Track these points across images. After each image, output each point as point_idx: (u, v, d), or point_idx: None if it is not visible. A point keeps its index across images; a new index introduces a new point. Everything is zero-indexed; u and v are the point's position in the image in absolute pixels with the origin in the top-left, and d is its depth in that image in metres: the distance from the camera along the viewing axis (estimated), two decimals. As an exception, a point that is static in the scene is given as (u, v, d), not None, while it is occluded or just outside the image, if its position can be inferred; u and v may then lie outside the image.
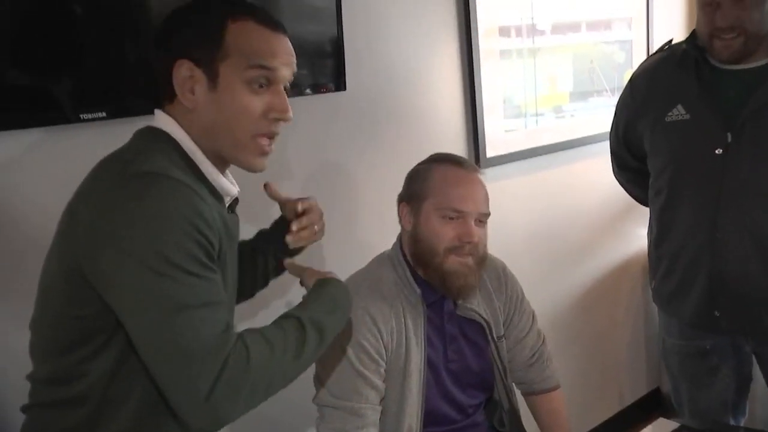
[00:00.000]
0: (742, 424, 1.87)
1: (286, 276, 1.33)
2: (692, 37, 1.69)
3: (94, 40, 1.33)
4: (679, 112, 1.69)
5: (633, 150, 1.86)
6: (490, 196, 2.23)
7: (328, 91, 1.69)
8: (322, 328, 1.06)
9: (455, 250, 1.37)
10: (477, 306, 1.48)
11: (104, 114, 1.35)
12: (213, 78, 1.03)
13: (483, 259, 1.43)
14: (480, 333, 1.49)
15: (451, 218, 1.37)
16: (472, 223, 1.38)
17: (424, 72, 1.98)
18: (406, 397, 1.38)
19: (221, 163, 1.09)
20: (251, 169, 1.09)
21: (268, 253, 1.33)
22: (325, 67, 1.69)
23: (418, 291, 1.40)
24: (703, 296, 1.71)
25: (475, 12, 2.05)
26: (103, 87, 1.36)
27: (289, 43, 1.09)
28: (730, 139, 1.61)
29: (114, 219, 0.92)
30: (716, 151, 1.63)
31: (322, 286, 1.14)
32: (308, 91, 1.66)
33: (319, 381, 1.39)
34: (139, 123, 1.25)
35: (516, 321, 1.56)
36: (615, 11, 2.58)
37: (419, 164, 1.49)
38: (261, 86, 1.05)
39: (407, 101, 1.95)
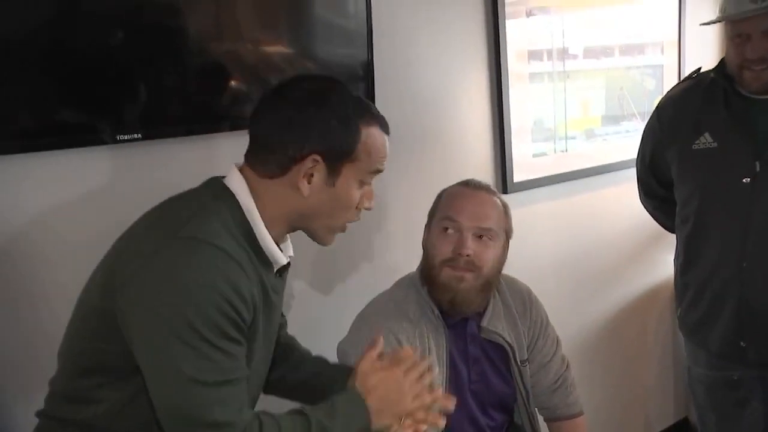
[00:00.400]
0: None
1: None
2: (721, 65, 1.69)
3: (133, 65, 1.37)
4: (706, 140, 1.69)
5: (660, 177, 1.86)
6: (517, 221, 2.24)
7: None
8: None
9: (449, 262, 1.39)
10: (501, 330, 1.49)
11: (140, 135, 1.39)
12: (334, 175, 1.09)
13: (487, 280, 1.42)
14: (503, 357, 1.50)
15: (447, 229, 1.40)
16: (469, 235, 1.39)
17: (452, 96, 2.00)
18: None
19: (288, 230, 1.15)
20: (323, 244, 1.18)
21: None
22: (356, 90, 1.72)
23: (437, 312, 1.42)
24: (730, 326, 1.69)
25: (505, 36, 2.06)
26: (139, 110, 1.40)
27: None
28: (758, 168, 1.60)
29: (153, 279, 0.96)
30: (744, 180, 1.62)
31: (347, 400, 1.11)
32: None
33: None
34: (172, 144, 1.30)
35: (540, 346, 1.56)
36: (647, 36, 2.58)
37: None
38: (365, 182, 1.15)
39: (435, 125, 1.97)
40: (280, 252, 1.11)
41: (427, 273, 1.42)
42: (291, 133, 1.07)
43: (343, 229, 1.17)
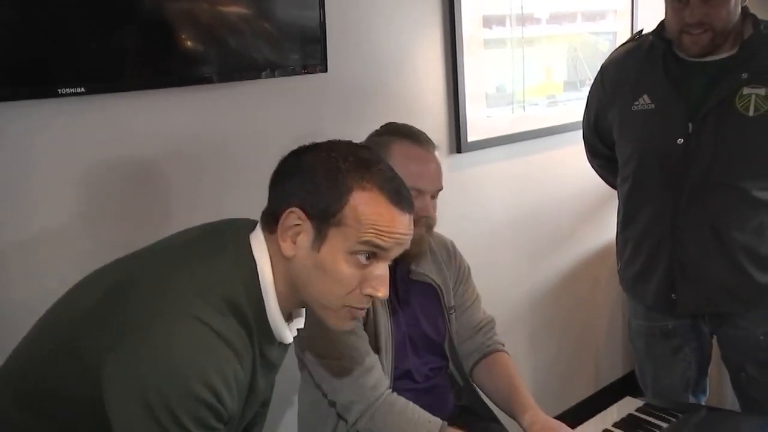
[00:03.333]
0: (703, 402, 1.95)
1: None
2: (660, 29, 1.75)
3: (81, 17, 1.37)
4: (645, 102, 1.76)
5: (604, 138, 1.93)
6: (471, 180, 2.32)
7: (309, 72, 1.74)
8: None
9: (414, 223, 1.44)
10: (430, 272, 1.56)
11: (83, 90, 1.39)
12: (320, 238, 0.98)
13: (431, 227, 1.50)
14: (433, 299, 1.57)
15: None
16: (429, 198, 1.44)
17: (405, 57, 2.04)
18: (380, 357, 1.47)
19: (300, 305, 1.07)
20: (337, 330, 1.09)
21: None
22: (308, 48, 1.75)
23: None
24: (663, 280, 1.78)
25: (460, 1, 2.11)
26: (83, 64, 1.39)
27: (410, 220, 1.03)
28: (691, 130, 1.68)
29: (141, 352, 0.91)
30: (678, 141, 1.69)
31: None
32: (288, 71, 1.71)
33: (308, 363, 1.47)
34: (118, 99, 1.31)
35: (462, 292, 1.63)
36: (602, 3, 2.64)
37: (374, 136, 1.50)
38: (367, 258, 1.00)
39: (388, 86, 2.01)
40: (287, 330, 1.06)
41: None
42: (277, 184, 1.03)
43: (351, 316, 1.03)
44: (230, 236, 1.04)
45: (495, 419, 1.63)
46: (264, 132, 1.71)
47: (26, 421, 1.01)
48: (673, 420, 1.47)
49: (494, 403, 1.60)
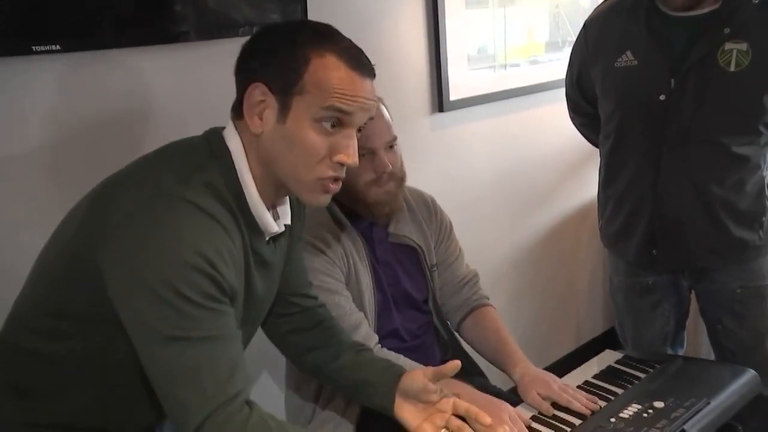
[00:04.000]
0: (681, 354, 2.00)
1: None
2: (643, -17, 1.74)
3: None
4: (628, 58, 1.75)
5: (586, 95, 1.93)
6: (453, 138, 2.31)
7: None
8: None
9: (375, 183, 1.42)
10: (409, 233, 1.57)
11: (58, 47, 1.36)
12: (284, 109, 1.01)
13: (402, 179, 1.49)
14: (414, 259, 1.58)
15: (364, 155, 1.38)
16: (383, 153, 1.42)
17: (387, 16, 2.01)
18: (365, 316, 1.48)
19: (281, 193, 1.10)
20: (312, 205, 1.10)
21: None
22: (288, 8, 1.72)
23: (347, 222, 1.48)
24: (644, 237, 1.80)
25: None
26: (58, 20, 1.36)
27: (372, 86, 1.06)
28: (673, 85, 1.68)
29: (133, 239, 0.94)
30: (660, 97, 1.69)
31: None
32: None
33: None
34: (94, 57, 1.27)
35: (444, 248, 1.64)
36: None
37: None
38: (333, 126, 1.02)
39: (370, 44, 1.95)
40: (271, 219, 1.08)
41: (348, 194, 1.41)
42: (240, 68, 1.05)
43: (325, 188, 1.05)
44: (200, 137, 1.08)
45: (480, 373, 1.65)
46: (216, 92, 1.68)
47: (40, 348, 1.04)
48: (651, 370, 1.50)
49: (483, 357, 1.63)
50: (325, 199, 1.08)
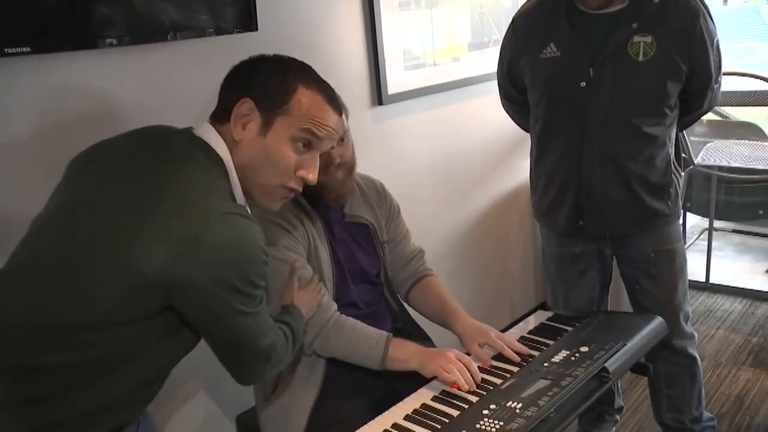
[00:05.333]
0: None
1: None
2: (563, -17, 1.95)
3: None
4: (552, 50, 1.95)
5: (516, 84, 2.12)
6: (393, 129, 2.47)
7: (240, 31, 1.82)
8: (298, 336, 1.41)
9: (323, 171, 1.52)
10: (362, 213, 1.73)
11: (29, 49, 1.43)
12: (267, 125, 1.21)
13: (352, 168, 1.66)
14: (367, 236, 1.75)
15: None
16: (335, 144, 1.53)
17: (329, 17, 2.15)
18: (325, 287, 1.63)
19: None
20: (265, 209, 1.29)
21: None
22: (237, 8, 1.82)
23: (306, 204, 1.64)
24: (571, 209, 2.02)
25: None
26: (28, 23, 1.43)
27: (339, 121, 1.30)
28: (592, 74, 1.89)
29: (206, 252, 1.08)
30: (581, 84, 1.90)
31: (296, 311, 1.46)
32: (221, 31, 1.79)
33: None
34: (63, 58, 1.34)
35: (394, 227, 1.82)
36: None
37: None
38: (303, 146, 1.24)
39: (313, 42, 2.13)
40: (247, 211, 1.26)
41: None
42: (230, 82, 1.26)
43: (283, 196, 1.26)
44: (188, 142, 1.22)
45: (427, 337, 1.83)
46: (198, 87, 1.77)
47: (62, 361, 1.11)
48: (577, 324, 1.71)
49: (429, 319, 1.80)
50: (278, 206, 1.30)
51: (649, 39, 1.86)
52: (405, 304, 1.87)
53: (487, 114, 2.78)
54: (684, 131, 2.65)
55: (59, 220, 1.16)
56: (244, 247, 1.13)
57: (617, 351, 1.53)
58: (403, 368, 1.55)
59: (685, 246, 3.25)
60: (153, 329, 1.15)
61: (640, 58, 1.86)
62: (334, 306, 1.61)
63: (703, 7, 1.89)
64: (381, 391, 1.63)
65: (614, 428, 2.44)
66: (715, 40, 1.91)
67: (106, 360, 1.13)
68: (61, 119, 1.56)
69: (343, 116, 1.58)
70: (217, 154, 1.21)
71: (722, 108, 3.78)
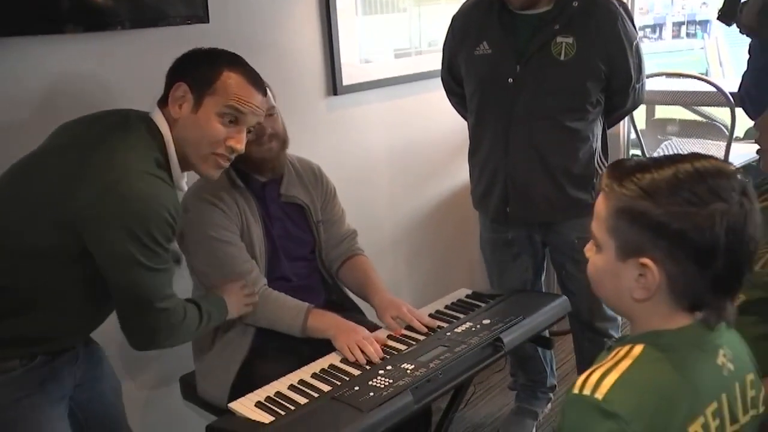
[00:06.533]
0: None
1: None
2: (494, -15, 2.09)
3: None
4: (484, 48, 2.10)
5: (456, 78, 2.27)
6: (348, 119, 2.61)
7: (192, 22, 1.96)
8: (211, 321, 1.60)
9: (255, 142, 1.72)
10: (297, 193, 1.88)
11: None
12: (198, 104, 1.44)
13: (284, 141, 1.81)
14: (302, 215, 1.90)
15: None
16: (263, 118, 1.67)
17: (283, 6, 2.29)
18: (256, 262, 1.79)
19: (183, 165, 1.47)
20: (205, 177, 1.51)
21: None
22: (192, 5, 1.95)
23: (241, 184, 1.79)
24: (500, 197, 2.17)
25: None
26: None
27: (263, 99, 1.52)
28: (518, 70, 2.03)
29: (119, 200, 1.29)
30: (509, 80, 2.05)
31: (217, 300, 1.65)
32: (172, 21, 1.92)
33: (196, 270, 1.78)
34: (12, 43, 1.49)
35: (330, 208, 1.97)
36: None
37: None
38: (230, 122, 1.46)
39: (268, 35, 2.27)
40: (184, 183, 1.50)
41: (240, 157, 1.61)
42: (173, 69, 1.50)
43: (217, 163, 1.47)
44: (136, 119, 1.45)
45: (358, 309, 1.99)
46: (148, 77, 1.90)
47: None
48: (491, 301, 1.87)
49: (355, 294, 1.96)
50: (216, 173, 1.51)
51: (570, 40, 2.00)
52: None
53: (443, 106, 2.90)
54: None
55: (23, 165, 1.42)
56: (151, 202, 1.31)
57: (515, 324, 1.68)
58: (322, 336, 1.71)
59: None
60: (75, 270, 1.35)
61: (562, 58, 2.00)
62: (263, 281, 1.78)
63: (622, 11, 2.02)
64: (306, 354, 1.79)
65: (549, 405, 2.59)
66: (635, 43, 2.05)
67: (33, 290, 1.35)
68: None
69: (269, 94, 1.75)
70: (158, 130, 1.44)
71: (703, 108, 3.91)
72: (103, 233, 1.31)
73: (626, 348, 1.00)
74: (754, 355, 1.07)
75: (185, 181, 1.54)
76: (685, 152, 1.00)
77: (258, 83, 1.51)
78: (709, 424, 0.95)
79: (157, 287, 1.38)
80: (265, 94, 1.53)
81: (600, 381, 0.93)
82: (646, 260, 0.94)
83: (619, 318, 2.33)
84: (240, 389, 1.61)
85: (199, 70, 1.46)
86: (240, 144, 1.47)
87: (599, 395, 0.92)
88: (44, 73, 1.76)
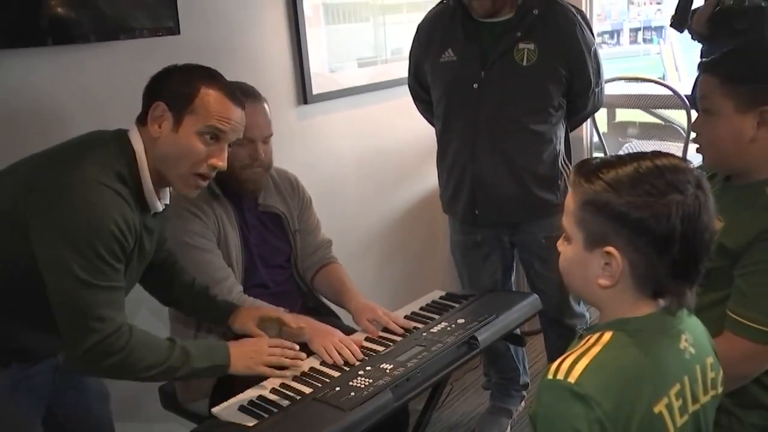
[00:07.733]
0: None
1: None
2: (459, -6, 2.16)
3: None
4: (449, 55, 2.16)
5: (422, 85, 2.33)
6: (319, 127, 2.65)
7: (163, 34, 1.98)
8: (190, 375, 1.47)
9: (247, 167, 1.77)
10: (275, 203, 1.92)
11: None
12: (178, 123, 1.41)
13: (269, 167, 1.85)
14: (279, 224, 1.94)
15: (244, 144, 1.72)
16: (260, 145, 1.77)
17: (252, 17, 2.33)
18: (233, 270, 1.81)
19: (163, 183, 1.46)
20: (182, 195, 1.50)
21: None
22: (160, 10, 1.97)
23: (220, 192, 1.82)
24: (468, 199, 2.23)
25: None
26: None
27: (243, 115, 1.49)
28: (483, 76, 2.10)
29: (65, 208, 1.29)
30: (474, 86, 2.11)
31: (216, 349, 1.52)
32: (144, 34, 1.94)
33: None
34: None
35: (306, 218, 2.01)
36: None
37: None
38: (211, 139, 1.43)
39: (238, 43, 2.30)
40: (157, 201, 1.46)
41: (225, 176, 1.66)
42: (148, 92, 1.46)
43: (197, 184, 1.45)
44: (110, 135, 1.44)
45: (334, 314, 2.02)
46: (126, 89, 1.91)
47: None
48: (464, 301, 1.91)
49: (330, 301, 2.00)
50: (194, 193, 1.49)
51: (531, 46, 2.07)
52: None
53: (411, 112, 2.96)
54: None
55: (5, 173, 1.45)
56: (97, 212, 1.30)
57: (489, 322, 1.74)
58: (297, 340, 1.74)
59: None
60: (36, 282, 1.32)
61: (525, 63, 2.07)
62: (239, 288, 1.80)
63: (580, 18, 2.11)
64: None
65: (522, 403, 2.65)
66: (593, 48, 2.13)
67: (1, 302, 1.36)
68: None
69: (269, 118, 1.80)
70: (132, 147, 1.42)
71: (661, 111, 4.03)
72: (42, 234, 1.29)
73: (596, 335, 1.05)
74: (703, 322, 1.14)
75: (166, 201, 1.53)
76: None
77: (235, 98, 1.48)
78: (672, 404, 1.01)
79: (90, 305, 1.30)
80: (243, 107, 1.50)
81: (572, 366, 0.99)
82: (610, 248, 1.00)
83: (587, 314, 2.40)
84: (221, 395, 1.63)
85: (176, 89, 1.43)
86: (222, 161, 1.45)
87: (572, 379, 0.97)
88: (5, 88, 1.75)
